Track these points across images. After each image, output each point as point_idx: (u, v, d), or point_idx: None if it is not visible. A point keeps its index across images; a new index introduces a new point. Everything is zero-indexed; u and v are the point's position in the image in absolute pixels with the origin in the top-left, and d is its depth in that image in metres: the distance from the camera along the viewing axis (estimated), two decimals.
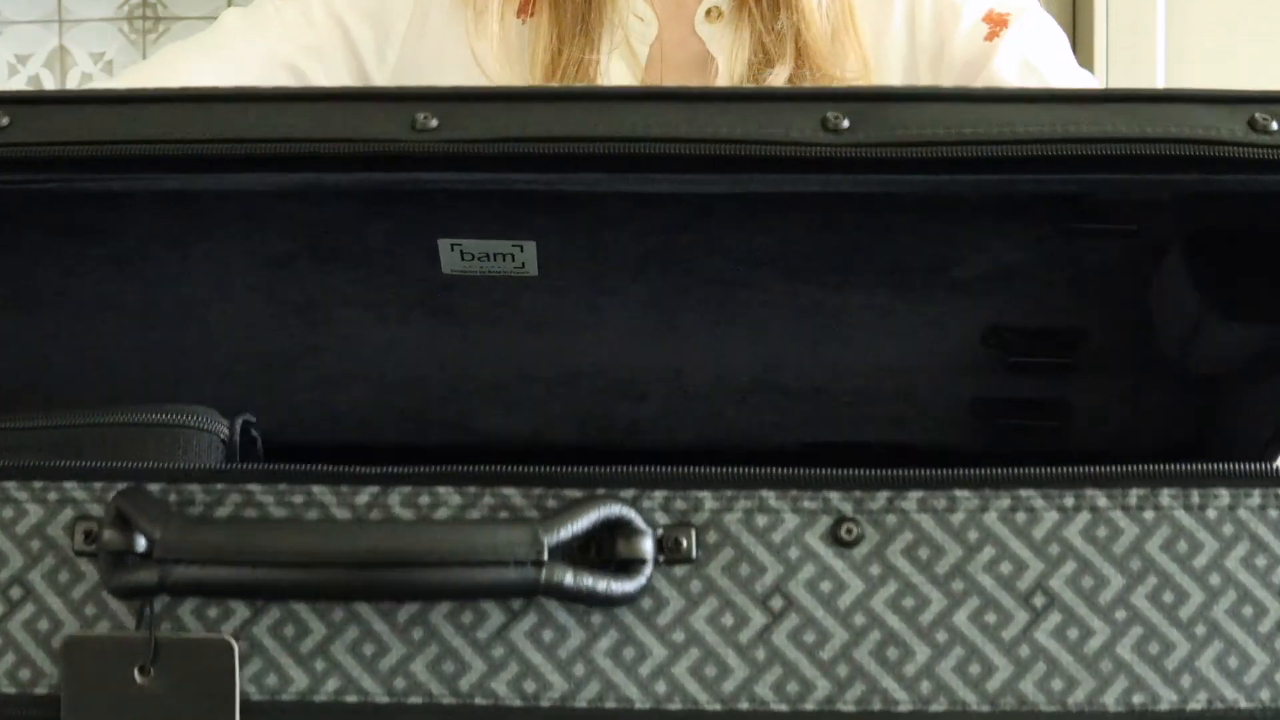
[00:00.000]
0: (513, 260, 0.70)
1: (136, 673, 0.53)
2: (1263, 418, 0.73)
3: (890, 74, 1.13)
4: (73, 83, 2.14)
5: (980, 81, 1.08)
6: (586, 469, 0.55)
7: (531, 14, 1.12)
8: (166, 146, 0.56)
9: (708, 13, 1.13)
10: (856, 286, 0.72)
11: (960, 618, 0.56)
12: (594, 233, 0.70)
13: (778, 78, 1.09)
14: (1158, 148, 0.56)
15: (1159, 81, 1.81)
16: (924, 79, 1.13)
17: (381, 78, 1.12)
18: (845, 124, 0.57)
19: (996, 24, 1.10)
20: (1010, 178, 0.57)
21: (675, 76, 1.13)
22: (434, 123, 0.56)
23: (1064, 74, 1.10)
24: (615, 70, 1.11)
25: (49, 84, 2.16)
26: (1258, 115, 0.57)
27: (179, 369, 0.77)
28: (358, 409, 0.79)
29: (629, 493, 0.55)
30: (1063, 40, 1.13)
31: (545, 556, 0.51)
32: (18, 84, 2.16)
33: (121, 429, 0.58)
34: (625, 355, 0.76)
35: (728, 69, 1.11)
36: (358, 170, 0.57)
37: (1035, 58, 1.09)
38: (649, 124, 0.56)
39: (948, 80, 1.11)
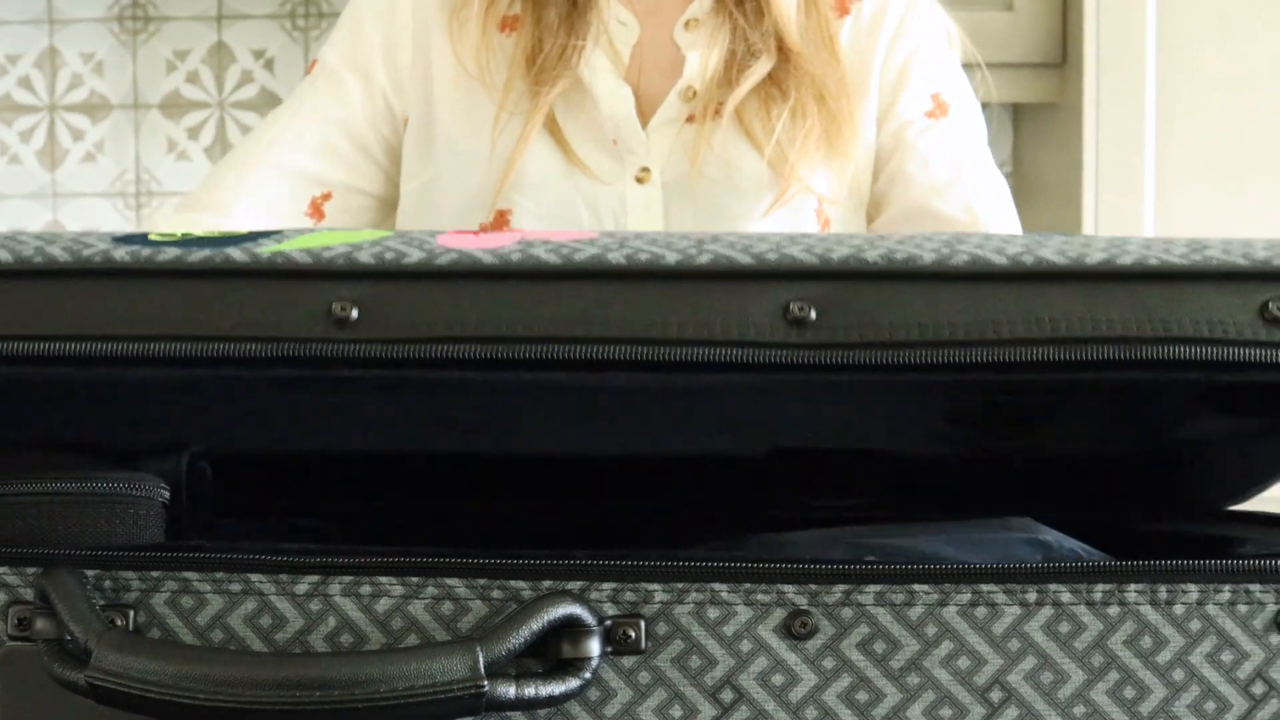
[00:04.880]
0: None
1: None
2: (1254, 460, 0.72)
3: (868, 96, 1.21)
4: (63, 83, 2.13)
5: (909, 148, 1.20)
6: (533, 561, 0.54)
7: (515, 29, 1.18)
8: (55, 344, 0.52)
9: (686, 24, 1.19)
10: None
11: (915, 712, 0.55)
12: None
13: (759, 71, 1.14)
14: (1154, 350, 0.52)
15: (1151, 81, 1.79)
16: (879, 113, 1.22)
17: (400, 104, 1.22)
18: (811, 315, 0.52)
19: (939, 109, 1.21)
20: (991, 377, 0.53)
21: (654, 76, 1.18)
22: (354, 313, 0.52)
23: (980, 174, 1.22)
24: (599, 64, 1.16)
25: (39, 84, 2.15)
26: (1271, 304, 0.51)
27: (125, 382, 0.75)
28: (313, 414, 0.76)
29: (576, 585, 0.54)
30: (984, 138, 1.25)
31: (485, 683, 0.50)
32: (8, 84, 2.15)
33: (56, 499, 0.56)
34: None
35: (700, 71, 1.16)
36: (270, 367, 0.53)
37: (962, 154, 1.21)
38: (589, 316, 0.52)
39: (888, 128, 1.21)
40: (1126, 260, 0.53)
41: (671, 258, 0.53)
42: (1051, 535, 0.70)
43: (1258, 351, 0.51)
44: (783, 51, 1.15)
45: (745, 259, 0.53)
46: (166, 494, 0.59)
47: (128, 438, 0.76)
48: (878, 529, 0.72)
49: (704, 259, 0.53)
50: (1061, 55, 1.87)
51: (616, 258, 0.53)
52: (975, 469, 0.79)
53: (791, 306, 0.52)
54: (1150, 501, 0.77)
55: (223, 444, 0.77)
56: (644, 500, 0.79)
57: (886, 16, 1.21)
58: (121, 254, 0.54)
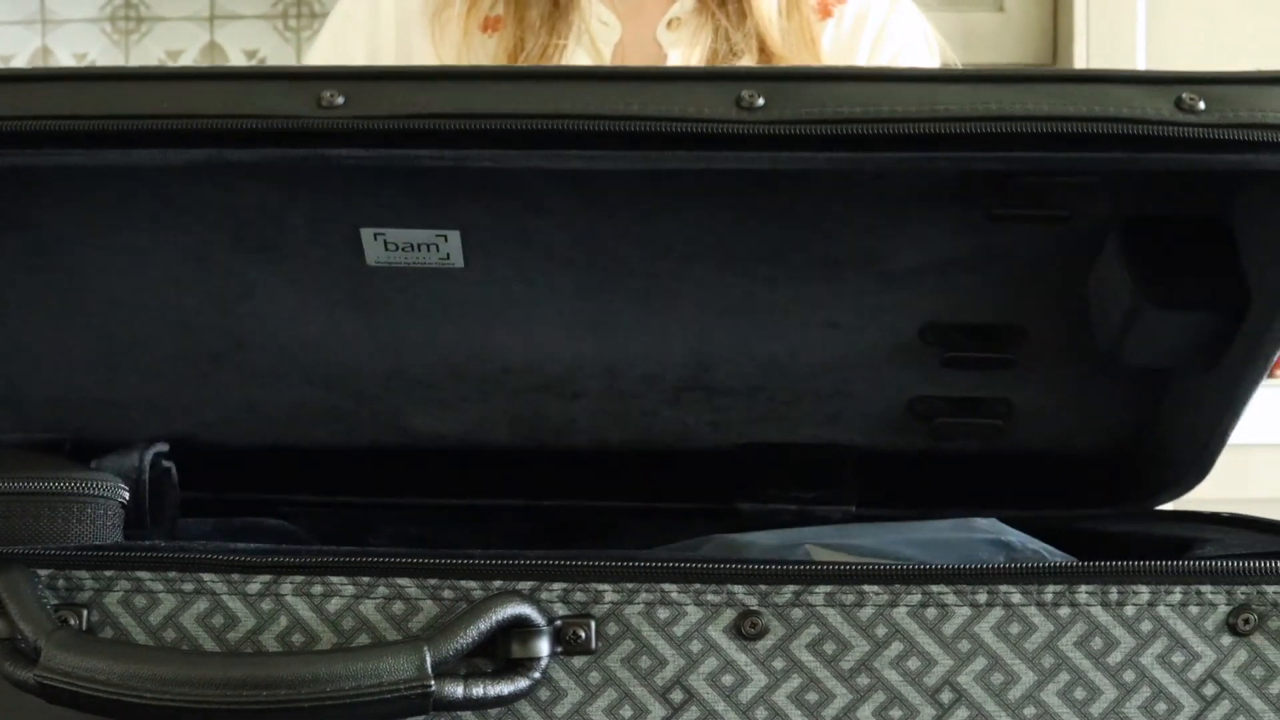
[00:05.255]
0: (437, 251, 0.69)
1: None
2: (1202, 415, 0.72)
3: None
4: None
5: None
6: (484, 561, 0.54)
7: (497, 29, 1.19)
8: (70, 122, 0.56)
9: (669, 23, 1.20)
10: (789, 279, 0.71)
11: (865, 713, 0.55)
12: (517, 221, 0.68)
13: None
14: (1081, 126, 0.54)
15: None
16: None
17: None
18: (760, 102, 0.55)
19: None
20: (930, 155, 0.55)
21: None
22: (340, 100, 0.55)
23: None
24: (580, 62, 1.17)
25: None
26: (1185, 95, 0.54)
27: (104, 365, 0.76)
28: (286, 407, 0.78)
29: (527, 585, 0.54)
30: None
31: (432, 683, 0.50)
32: None
33: (13, 498, 0.57)
34: (556, 348, 0.75)
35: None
36: (262, 146, 0.56)
37: None
38: (558, 101, 0.55)
39: None
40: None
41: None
42: (1015, 536, 0.70)
43: (1174, 129, 0.54)
44: (764, 52, 1.16)
45: (700, 70, 0.58)
46: (125, 494, 0.59)
47: (102, 430, 0.77)
48: (841, 529, 0.72)
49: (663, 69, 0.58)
50: (1052, 56, 1.87)
51: (582, 69, 0.58)
52: (943, 465, 0.79)
53: (743, 94, 0.55)
54: (1111, 496, 0.78)
55: (195, 435, 0.78)
56: (617, 496, 0.80)
57: (869, 19, 1.22)
58: (129, 69, 0.58)
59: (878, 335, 0.74)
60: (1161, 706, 0.55)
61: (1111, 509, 0.78)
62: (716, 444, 0.79)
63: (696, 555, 0.60)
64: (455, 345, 0.75)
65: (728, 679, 0.55)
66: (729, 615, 0.55)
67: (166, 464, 0.66)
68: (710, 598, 0.55)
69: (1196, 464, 0.74)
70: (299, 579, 0.54)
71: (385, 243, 0.68)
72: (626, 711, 0.54)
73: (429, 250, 0.69)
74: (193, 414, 0.78)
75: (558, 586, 0.54)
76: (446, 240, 0.68)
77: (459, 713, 0.53)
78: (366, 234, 0.68)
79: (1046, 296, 0.72)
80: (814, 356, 0.75)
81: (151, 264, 0.71)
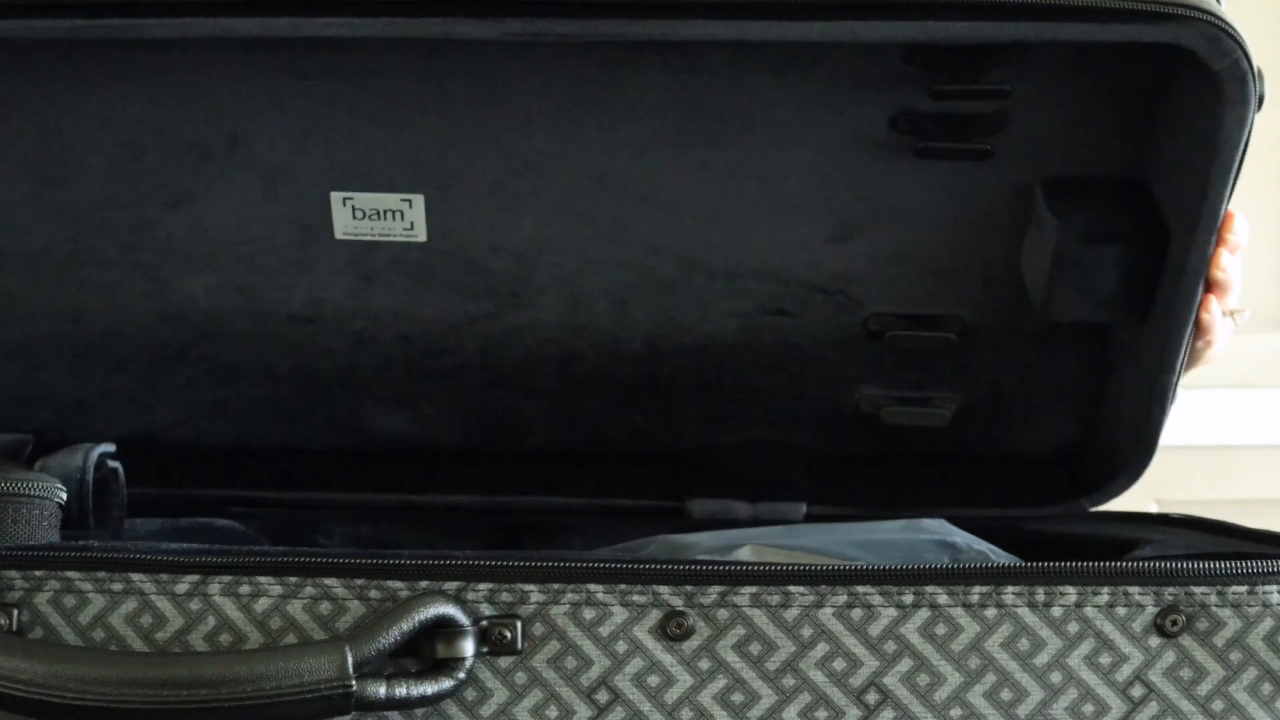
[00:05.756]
0: (402, 220, 0.71)
1: None
2: (1139, 389, 0.73)
3: None
4: None
5: None
6: (410, 561, 0.55)
7: None
8: None
9: None
10: (728, 243, 0.73)
11: (790, 714, 0.55)
12: (477, 183, 0.70)
13: None
14: None
15: None
16: None
17: None
18: None
19: None
20: (858, 23, 0.59)
21: None
22: None
23: None
24: None
25: None
26: None
27: (73, 356, 0.77)
28: (247, 404, 0.79)
29: (453, 585, 0.55)
30: None
31: (353, 683, 0.51)
32: None
33: None
34: (511, 330, 0.76)
35: None
36: (233, 15, 0.59)
37: None
38: None
39: None
40: None
41: None
42: (961, 537, 0.71)
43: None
44: None
45: None
46: (62, 494, 0.60)
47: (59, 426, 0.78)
48: (787, 530, 0.73)
49: None
50: None
51: None
52: (893, 465, 0.80)
53: None
54: (1062, 491, 0.78)
55: (156, 434, 0.79)
56: (569, 496, 0.81)
57: None
58: None
59: (823, 324, 0.75)
60: (1089, 708, 0.56)
61: (1064, 505, 0.79)
62: (668, 443, 0.80)
63: (628, 556, 0.60)
64: (415, 332, 0.76)
65: (653, 679, 0.55)
66: (655, 616, 0.55)
67: (113, 464, 0.67)
68: (636, 598, 0.55)
69: (1140, 449, 0.74)
70: (227, 579, 0.55)
71: (354, 209, 0.70)
72: (552, 712, 0.55)
73: (394, 219, 0.70)
74: (155, 413, 0.79)
75: (484, 587, 0.55)
76: (411, 206, 0.70)
77: (385, 713, 0.54)
78: (336, 199, 0.70)
79: (983, 284, 0.73)
80: (762, 347, 0.76)
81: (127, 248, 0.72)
